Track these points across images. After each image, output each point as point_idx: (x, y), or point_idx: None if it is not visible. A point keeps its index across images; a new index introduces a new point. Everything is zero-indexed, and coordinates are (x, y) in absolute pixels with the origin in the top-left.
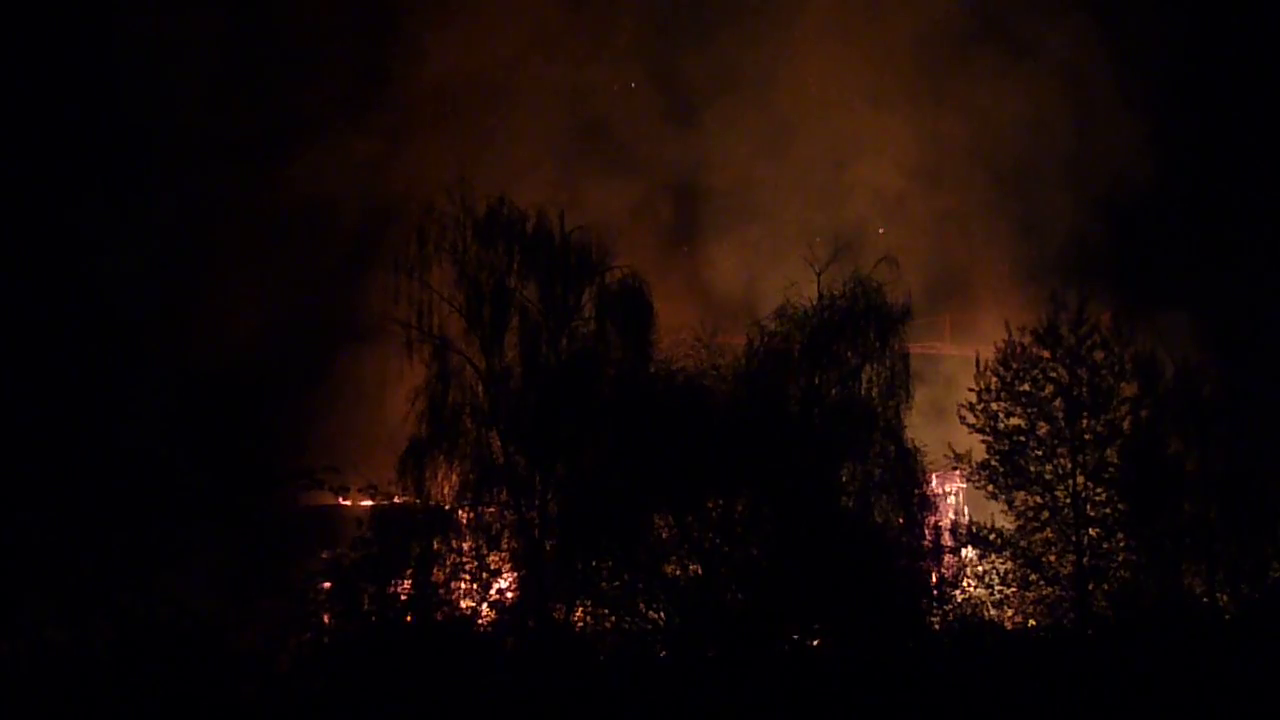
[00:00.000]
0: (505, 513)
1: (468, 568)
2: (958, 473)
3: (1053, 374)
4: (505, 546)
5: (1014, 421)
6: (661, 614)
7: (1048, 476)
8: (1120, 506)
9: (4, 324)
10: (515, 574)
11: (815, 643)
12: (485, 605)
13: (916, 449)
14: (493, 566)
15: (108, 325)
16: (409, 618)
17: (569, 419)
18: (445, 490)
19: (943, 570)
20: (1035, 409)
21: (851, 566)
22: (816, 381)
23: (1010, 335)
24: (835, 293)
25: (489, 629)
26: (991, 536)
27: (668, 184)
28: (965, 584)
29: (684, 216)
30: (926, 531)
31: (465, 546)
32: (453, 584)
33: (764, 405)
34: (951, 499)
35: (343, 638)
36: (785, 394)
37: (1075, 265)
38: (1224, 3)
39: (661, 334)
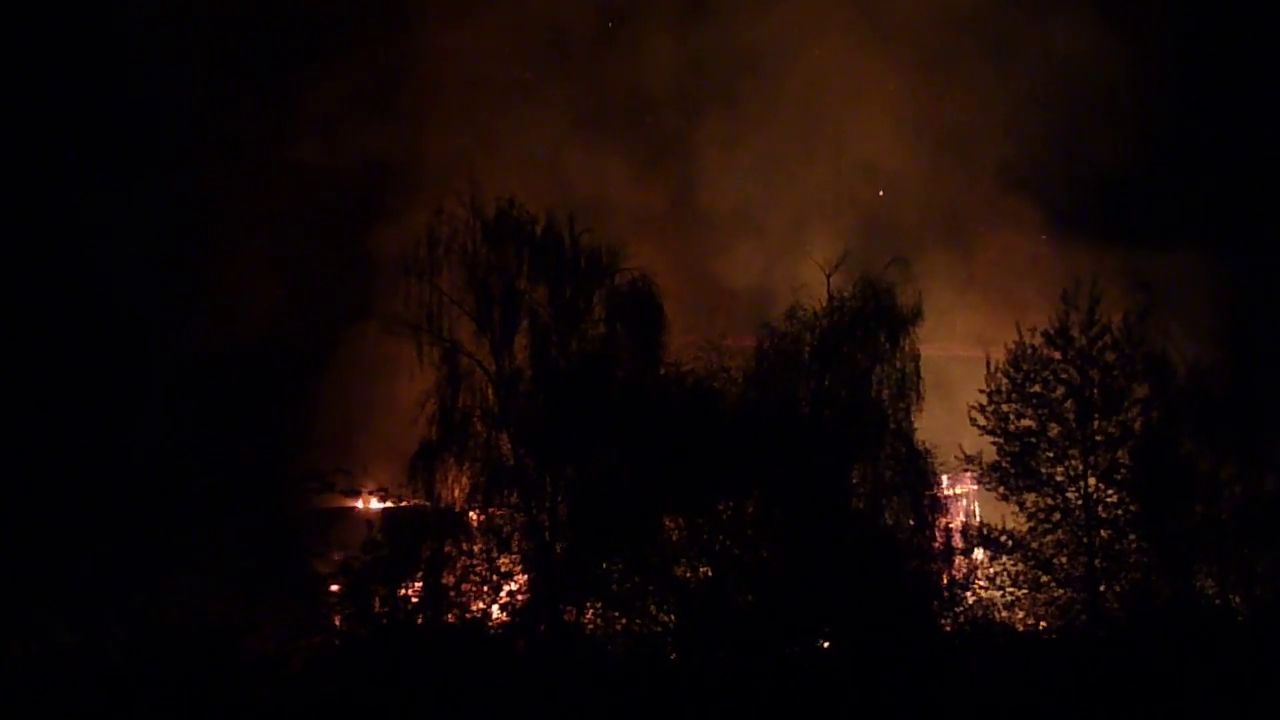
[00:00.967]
0: (515, 515)
1: (478, 570)
2: (968, 474)
3: (1064, 375)
4: (516, 549)
5: (1025, 423)
6: (672, 616)
7: (1059, 478)
8: (1132, 508)
9: (12, 323)
10: (526, 576)
11: (826, 645)
12: (496, 607)
13: (927, 450)
14: (503, 569)
15: (117, 326)
16: (420, 620)
17: (579, 421)
18: (456, 493)
19: (954, 572)
20: (1046, 410)
21: (862, 568)
22: (826, 383)
23: (1021, 336)
24: (845, 294)
25: (500, 631)
26: (1002, 538)
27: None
28: (976, 586)
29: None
30: (937, 533)
31: (476, 549)
32: (463, 586)
33: (774, 407)
34: (962, 501)
35: (354, 640)
36: (795, 396)
37: (1086, 264)
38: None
39: (671, 336)
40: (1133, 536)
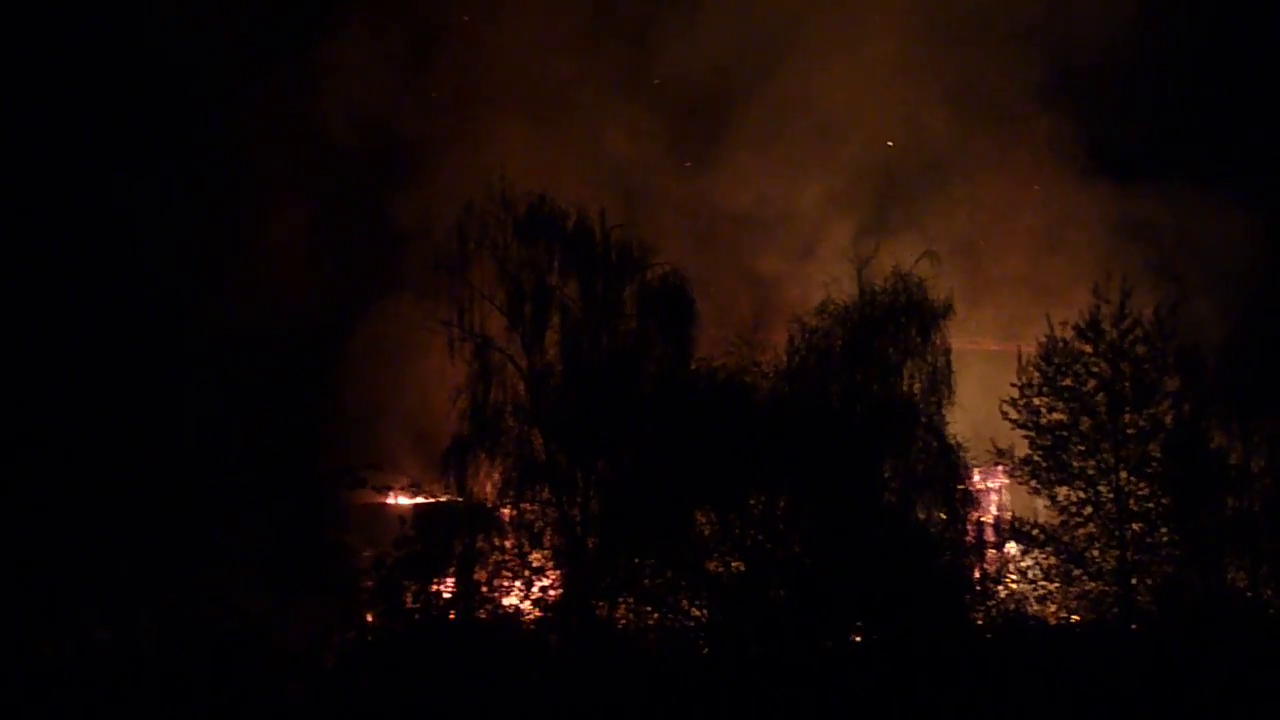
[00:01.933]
0: (547, 510)
1: (510, 565)
2: (1000, 468)
3: (1095, 369)
4: (548, 544)
5: (1056, 416)
6: (704, 611)
7: (1090, 471)
8: (1163, 501)
9: (41, 319)
10: (558, 571)
11: (858, 639)
12: (528, 603)
13: (958, 445)
14: (535, 564)
15: (147, 316)
16: (452, 616)
17: (611, 417)
18: (487, 488)
19: (985, 566)
20: (1077, 404)
21: (894, 563)
22: (858, 378)
23: (1052, 330)
24: (877, 288)
25: (532, 626)
26: (1034, 532)
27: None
28: (1008, 579)
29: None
30: (969, 527)
31: (508, 544)
32: (495, 582)
33: (805, 402)
34: (994, 494)
35: (387, 636)
36: (827, 390)
37: (1118, 259)
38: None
39: (702, 330)
40: (1164, 530)
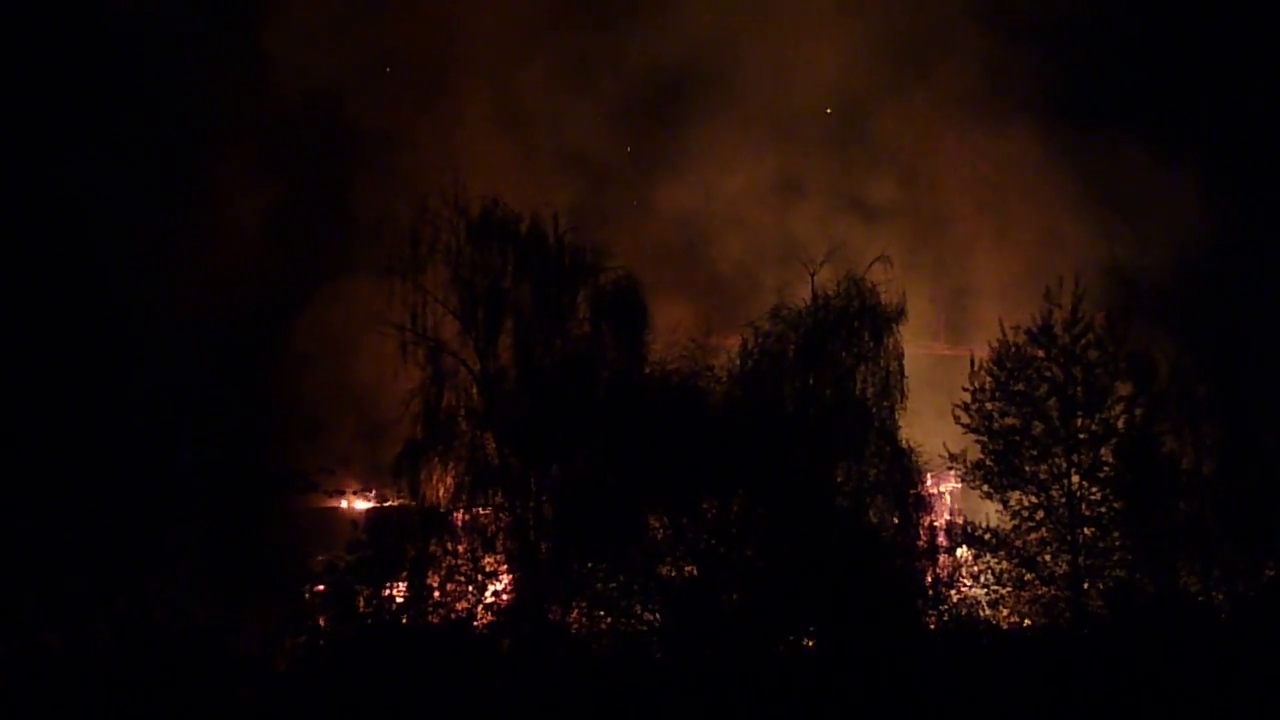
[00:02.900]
0: (500, 514)
1: (463, 570)
2: (953, 472)
3: (1047, 373)
4: (500, 548)
5: (1009, 421)
6: (657, 615)
7: (1043, 476)
8: (1115, 505)
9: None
10: (511, 575)
11: (810, 643)
12: (481, 607)
13: (911, 449)
14: (488, 568)
15: (95, 322)
16: (404, 620)
17: (564, 420)
18: (440, 492)
19: (938, 570)
20: (1030, 408)
21: (846, 567)
22: (811, 382)
23: (1004, 334)
24: (829, 293)
25: (485, 631)
26: (986, 536)
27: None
28: (960, 584)
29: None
30: (921, 531)
31: (460, 548)
32: (448, 586)
33: (758, 406)
34: (946, 499)
35: (339, 640)
36: (780, 394)
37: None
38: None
39: (656, 334)
40: (1116, 534)
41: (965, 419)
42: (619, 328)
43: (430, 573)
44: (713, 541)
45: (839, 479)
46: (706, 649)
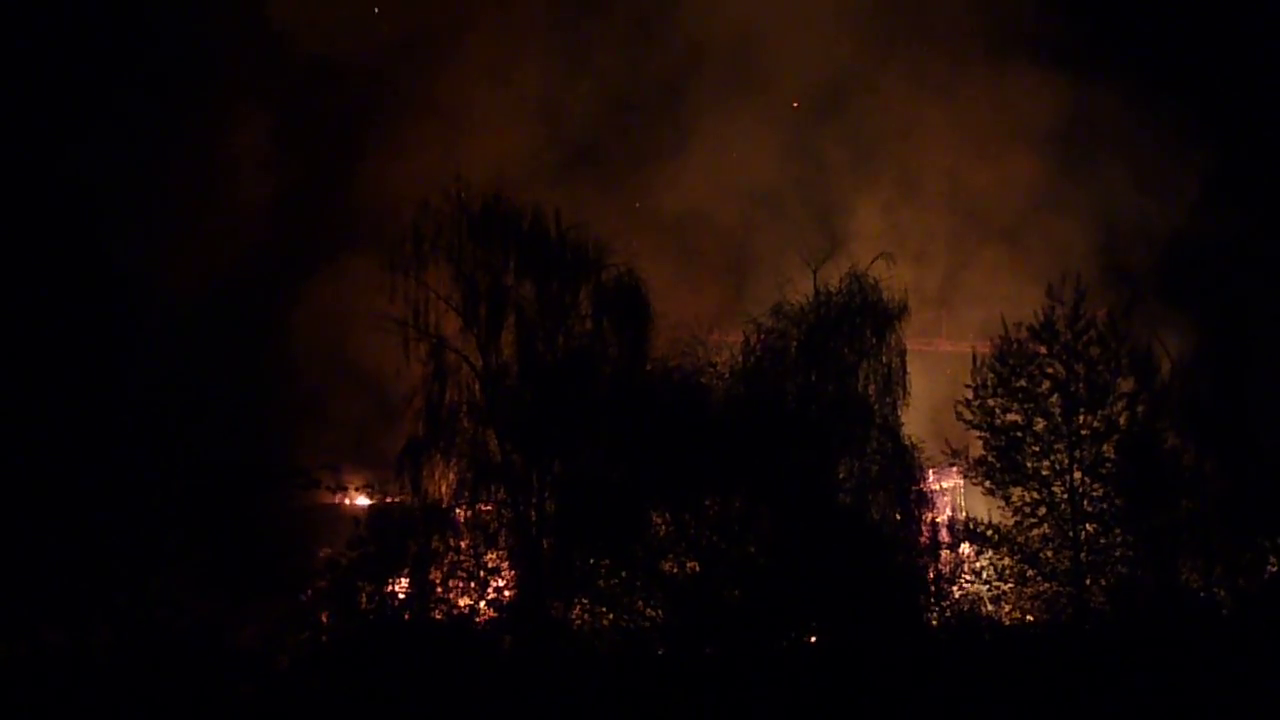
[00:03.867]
0: (502, 511)
1: (465, 566)
2: (955, 469)
3: (1049, 370)
4: (503, 545)
5: (1010, 417)
6: (659, 611)
7: (1044, 472)
8: (1117, 502)
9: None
10: (513, 572)
11: (813, 639)
12: (483, 604)
13: (913, 445)
14: (490, 565)
15: (99, 319)
16: (407, 616)
17: (566, 417)
18: (442, 489)
19: (940, 566)
20: (1032, 405)
21: (849, 563)
22: (813, 378)
23: (1006, 331)
24: (832, 289)
25: (487, 627)
26: (988, 532)
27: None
28: (962, 580)
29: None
30: (923, 528)
31: (463, 545)
32: (450, 582)
33: (760, 403)
34: (948, 495)
35: (341, 637)
36: (782, 391)
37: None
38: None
39: (658, 331)
40: (1118, 530)
41: (967, 415)
42: (621, 324)
43: (432, 569)
44: (715, 538)
45: (841, 475)
46: (709, 645)
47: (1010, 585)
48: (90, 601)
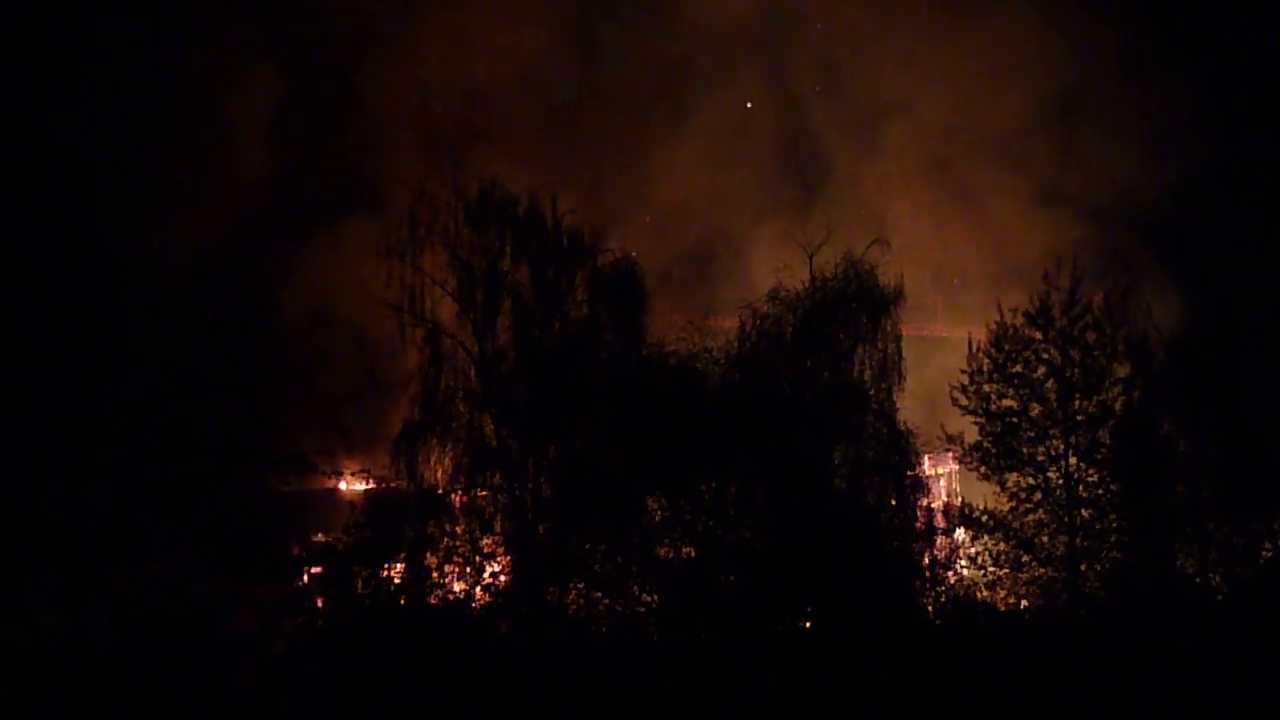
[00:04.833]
0: (498, 496)
1: (461, 551)
2: (950, 454)
3: (1045, 355)
4: (498, 530)
5: (1006, 403)
6: (654, 596)
7: (1040, 458)
8: (1113, 487)
9: None
10: (508, 557)
11: (808, 625)
12: (478, 588)
13: (909, 431)
14: (486, 550)
15: (93, 312)
16: (402, 601)
17: (562, 402)
18: (438, 474)
19: (935, 552)
20: (1028, 390)
21: (844, 548)
22: (809, 364)
23: (1002, 316)
24: (827, 275)
25: (482, 612)
26: (984, 518)
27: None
28: (958, 565)
29: None
30: (919, 513)
31: (458, 530)
32: (446, 567)
33: (756, 388)
34: (944, 481)
35: (337, 621)
36: (777, 376)
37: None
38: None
39: (654, 316)
40: (1113, 516)
41: (963, 401)
42: (617, 310)
43: (428, 554)
44: (710, 523)
45: (836, 460)
46: (704, 630)
47: (1005, 571)
48: (88, 587)
